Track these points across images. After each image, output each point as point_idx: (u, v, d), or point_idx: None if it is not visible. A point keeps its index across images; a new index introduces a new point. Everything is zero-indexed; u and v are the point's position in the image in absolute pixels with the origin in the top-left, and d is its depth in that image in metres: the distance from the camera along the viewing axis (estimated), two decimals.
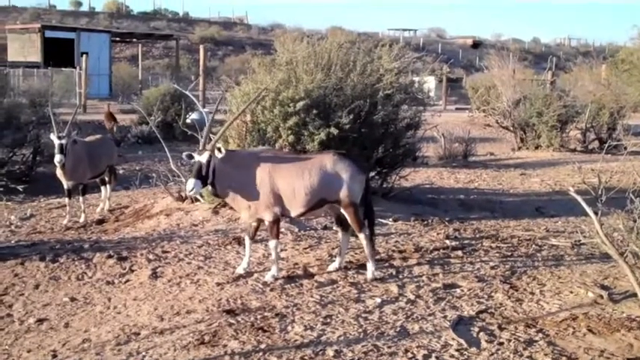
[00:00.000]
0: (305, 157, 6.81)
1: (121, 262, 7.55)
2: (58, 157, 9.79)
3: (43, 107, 16.47)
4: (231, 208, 7.86)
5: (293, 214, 6.59)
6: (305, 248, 7.76)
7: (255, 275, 6.77)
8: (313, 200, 6.44)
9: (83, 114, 27.03)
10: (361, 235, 6.59)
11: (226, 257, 7.46)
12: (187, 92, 12.17)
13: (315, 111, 9.26)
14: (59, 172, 10.19)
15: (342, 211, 6.54)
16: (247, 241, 6.78)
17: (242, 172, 6.39)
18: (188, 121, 18.87)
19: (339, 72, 9.92)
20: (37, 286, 7.04)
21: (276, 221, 6.51)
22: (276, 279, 6.56)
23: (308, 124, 9.25)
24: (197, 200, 10.03)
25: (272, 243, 6.54)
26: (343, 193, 6.43)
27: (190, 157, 6.34)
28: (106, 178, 11.34)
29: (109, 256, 7.70)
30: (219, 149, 6.35)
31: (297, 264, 7.12)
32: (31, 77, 34.37)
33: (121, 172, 14.72)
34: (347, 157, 6.67)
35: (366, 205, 6.66)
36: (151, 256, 7.64)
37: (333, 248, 7.67)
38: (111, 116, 24.14)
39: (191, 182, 6.24)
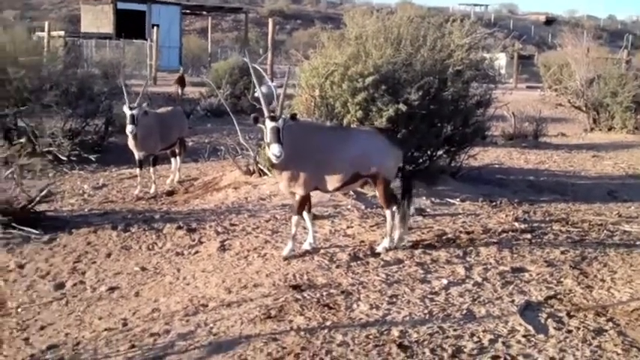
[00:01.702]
0: (343, 130, 7.19)
1: (190, 233, 7.68)
2: (129, 127, 9.96)
3: (115, 78, 16.79)
4: None
5: (328, 188, 6.73)
6: (372, 226, 7.76)
7: (322, 251, 6.79)
8: (349, 174, 6.60)
9: (154, 86, 27.47)
10: (387, 212, 6.77)
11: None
12: (256, 65, 12.21)
13: (383, 87, 9.18)
14: (131, 143, 10.38)
15: (374, 185, 6.74)
16: (305, 215, 6.81)
17: (300, 142, 6.41)
18: (256, 94, 18.97)
19: (409, 47, 9.79)
20: (108, 255, 7.22)
21: (307, 196, 6.67)
22: (287, 258, 6.59)
23: (376, 99, 9.18)
24: (265, 174, 10.11)
25: (294, 218, 6.68)
26: (377, 168, 6.61)
27: (257, 120, 6.22)
28: (177, 150, 11.50)
29: (179, 227, 7.84)
30: (294, 115, 6.36)
31: (363, 242, 7.12)
32: (103, 48, 35.04)
33: (190, 144, 14.92)
34: (383, 133, 6.99)
35: (403, 181, 6.83)
36: (219, 229, 7.75)
37: None
38: (182, 81, 24.52)
39: (276, 147, 6.09)
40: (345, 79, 9.26)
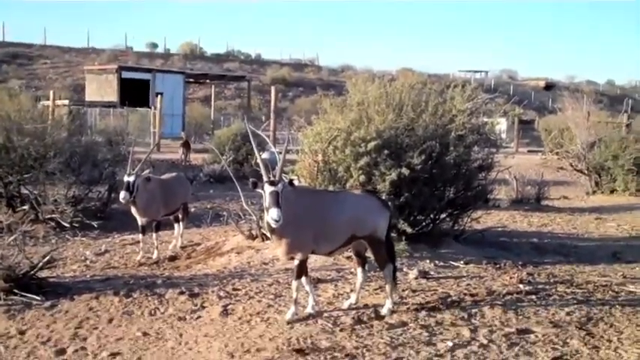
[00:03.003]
0: (338, 194, 7.32)
1: (192, 298, 7.65)
2: (122, 194, 10.08)
3: (119, 145, 16.93)
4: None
5: (325, 251, 6.86)
6: (375, 289, 7.74)
7: (325, 314, 6.76)
8: (346, 236, 6.70)
9: (157, 152, 27.67)
10: (385, 271, 6.85)
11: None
12: (259, 132, 12.36)
13: (386, 151, 9.30)
14: (133, 209, 10.44)
15: (368, 246, 6.82)
16: (304, 280, 6.79)
17: (298, 207, 6.47)
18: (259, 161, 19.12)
19: (411, 112, 9.95)
20: (110, 321, 7.18)
21: (305, 260, 6.69)
22: (290, 322, 6.57)
23: (379, 164, 9.28)
24: (267, 239, 10.13)
25: (294, 283, 6.68)
26: (372, 229, 6.71)
27: (256, 184, 6.31)
28: (180, 216, 11.55)
29: (181, 293, 7.82)
30: (291, 181, 6.44)
31: (367, 305, 7.10)
32: (107, 116, 35.52)
33: (192, 209, 14.95)
34: (374, 194, 7.29)
35: (387, 241, 6.91)
36: (222, 293, 7.73)
37: (403, 290, 7.63)
38: (187, 145, 24.79)
39: (275, 211, 6.11)
40: (348, 144, 9.38)
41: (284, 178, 6.45)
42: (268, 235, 9.62)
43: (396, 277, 7.01)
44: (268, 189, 6.22)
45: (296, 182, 6.58)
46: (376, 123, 9.57)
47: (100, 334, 6.86)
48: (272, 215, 6.13)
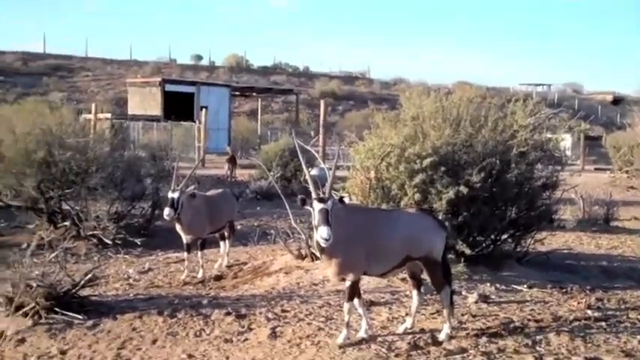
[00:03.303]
0: (392, 212, 7.36)
1: (239, 319, 7.70)
2: (166, 211, 10.25)
3: (163, 161, 17.18)
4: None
5: (377, 272, 6.88)
6: (432, 313, 7.70)
7: (379, 339, 6.76)
8: (400, 257, 6.69)
9: (202, 168, 27.98)
10: (442, 294, 6.83)
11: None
12: (308, 147, 12.43)
13: (443, 168, 9.27)
14: (178, 227, 10.58)
15: (424, 268, 6.79)
16: (357, 302, 6.79)
17: (349, 225, 6.50)
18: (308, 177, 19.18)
19: (469, 128, 9.89)
20: (154, 342, 7.26)
21: (357, 281, 6.70)
22: (342, 346, 6.58)
23: (435, 182, 9.25)
24: (317, 258, 10.15)
25: (346, 305, 6.67)
26: (428, 250, 6.70)
27: (304, 201, 6.38)
28: (226, 234, 11.65)
29: (228, 313, 7.88)
30: (341, 198, 6.46)
31: (423, 329, 7.07)
32: (150, 130, 36.08)
33: (239, 227, 15.07)
34: (429, 213, 7.34)
35: (443, 263, 6.88)
36: (270, 315, 7.77)
37: (462, 314, 7.59)
38: (233, 161, 25.06)
39: (325, 230, 6.14)
40: (402, 161, 9.38)
41: (334, 196, 6.49)
42: (318, 254, 9.67)
43: (453, 301, 6.97)
44: (317, 206, 6.26)
45: (347, 200, 6.58)
46: (432, 138, 9.55)
47: (144, 355, 6.95)
48: (321, 234, 6.16)
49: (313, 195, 6.35)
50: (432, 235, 6.77)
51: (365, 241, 6.57)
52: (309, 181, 6.48)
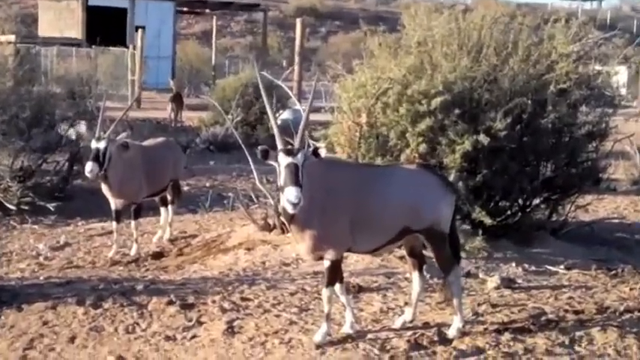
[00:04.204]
0: (384, 169, 7.36)
1: (185, 310, 7.70)
2: (89, 166, 10.14)
3: (85, 99, 17.04)
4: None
5: (366, 248, 6.90)
6: (439, 302, 7.74)
7: (370, 336, 6.80)
8: (395, 229, 6.68)
9: (137, 109, 27.82)
10: (451, 277, 6.83)
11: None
12: (279, 82, 12.41)
13: (457, 111, 9.27)
14: (105, 188, 10.53)
15: (427, 243, 6.81)
16: (339, 288, 6.80)
17: (327, 186, 6.49)
18: (278, 122, 19.13)
19: (493, 57, 9.88)
20: (72, 339, 7.25)
21: (339, 260, 6.70)
22: (320, 345, 6.61)
23: (447, 128, 9.26)
24: (288, 231, 10.18)
25: (325, 292, 6.63)
26: (432, 219, 6.70)
27: (267, 154, 6.26)
28: (168, 197, 11.66)
29: (170, 302, 7.87)
30: (315, 150, 6.38)
31: (427, 323, 7.11)
32: (68, 58, 35.73)
33: (185, 188, 15.05)
34: (433, 170, 7.37)
35: (451, 235, 6.92)
36: (226, 305, 7.77)
37: (479, 304, 7.63)
38: (178, 100, 24.88)
39: (293, 191, 6.04)
40: (404, 101, 9.36)
41: (308, 146, 6.46)
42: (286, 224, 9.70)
43: (461, 286, 7.01)
44: (284, 160, 6.13)
45: (323, 152, 6.49)
46: (444, 71, 9.54)
47: (59, 357, 6.94)
48: (288, 196, 6.04)
49: (279, 145, 6.29)
50: (437, 199, 6.76)
51: (349, 207, 6.54)
52: (274, 126, 6.40)
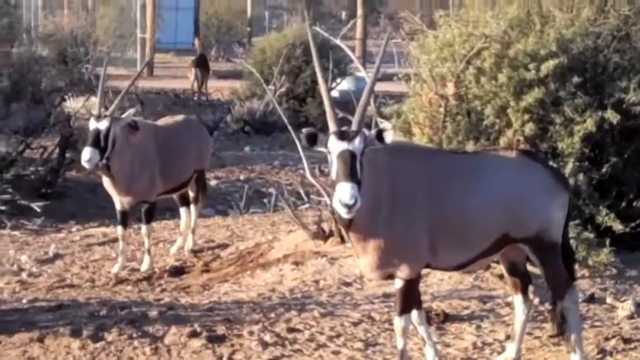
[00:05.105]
0: (475, 158, 7.16)
1: (214, 344, 7.73)
2: (87, 153, 10.12)
3: (80, 64, 17.15)
4: None
5: (451, 263, 6.80)
6: (551, 336, 7.69)
7: None
8: (490, 238, 6.60)
9: (148, 77, 27.95)
10: (567, 302, 6.72)
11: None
12: (337, 40, 12.36)
13: (576, 78, 9.20)
14: (107, 182, 10.56)
15: (533, 256, 6.72)
16: (417, 316, 6.74)
17: (396, 180, 6.43)
18: (336, 94, 19.17)
19: (624, 6, 9.80)
20: None
21: (416, 280, 6.61)
22: None
23: (562, 102, 9.20)
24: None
25: (398, 321, 6.53)
26: (539, 225, 6.61)
27: (313, 138, 6.17)
28: (191, 195, 11.72)
29: (194, 334, 7.91)
30: (380, 132, 6.24)
31: None
32: (58, 11, 35.94)
33: (213, 183, 15.11)
34: (540, 159, 7.32)
35: (564, 242, 6.83)
36: (267, 338, 7.80)
37: (607, 338, 7.55)
38: (203, 64, 24.88)
39: (347, 189, 5.90)
40: (504, 66, 9.32)
41: (365, 131, 6.26)
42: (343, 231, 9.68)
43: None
44: (336, 147, 6.04)
45: (390, 135, 6.33)
46: (558, 25, 9.49)
47: None
48: (340, 195, 5.89)
49: (330, 126, 6.21)
50: (546, 197, 6.70)
51: (426, 209, 6.50)
52: (326, 100, 6.30)
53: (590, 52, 9.43)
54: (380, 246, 6.34)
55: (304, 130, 6.20)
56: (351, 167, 5.95)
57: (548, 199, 6.68)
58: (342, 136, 6.03)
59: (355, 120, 6.15)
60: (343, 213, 5.92)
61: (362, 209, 5.99)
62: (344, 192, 5.85)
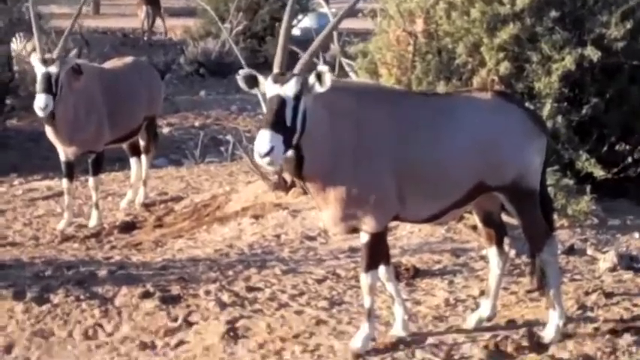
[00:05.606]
0: (445, 99, 7.14)
1: (168, 306, 7.74)
2: (41, 100, 10.07)
3: (19, 3, 17.04)
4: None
5: (421, 215, 6.79)
6: (529, 291, 7.73)
7: (431, 340, 6.82)
8: (463, 186, 6.61)
9: (94, 16, 27.84)
10: (545, 254, 6.75)
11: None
12: None
13: (554, 13, 9.22)
14: (50, 131, 10.50)
15: (509, 205, 6.74)
16: (384, 272, 6.78)
17: (359, 126, 6.41)
18: (297, 31, 19.15)
19: None
20: (8, 349, 7.32)
21: (383, 233, 6.62)
22: (359, 356, 6.59)
23: (539, 38, 9.22)
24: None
25: (365, 278, 6.56)
26: (516, 172, 6.62)
27: (252, 80, 6.23)
28: (142, 143, 11.71)
29: (146, 295, 7.92)
30: (319, 74, 6.20)
31: (512, 321, 7.13)
32: None
33: (165, 130, 15.10)
34: (517, 101, 7.27)
35: (542, 190, 6.86)
36: (225, 297, 7.81)
37: (588, 292, 7.60)
38: (154, 1, 24.79)
39: (264, 136, 5.90)
40: (477, 0, 9.33)
41: (321, 68, 6.20)
42: (296, 182, 9.70)
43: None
44: (268, 90, 6.07)
45: (328, 77, 6.19)
46: None
47: None
48: (256, 143, 5.92)
49: (274, 68, 6.15)
50: (522, 141, 6.70)
51: (394, 156, 6.47)
52: (281, 39, 6.26)
53: None
54: (342, 197, 6.33)
55: (241, 72, 6.24)
56: (277, 114, 5.96)
57: (525, 143, 6.68)
58: (277, 79, 6.04)
59: (301, 60, 6.20)
60: (260, 161, 6.00)
61: (317, 157, 6.07)
62: (259, 140, 5.89)
